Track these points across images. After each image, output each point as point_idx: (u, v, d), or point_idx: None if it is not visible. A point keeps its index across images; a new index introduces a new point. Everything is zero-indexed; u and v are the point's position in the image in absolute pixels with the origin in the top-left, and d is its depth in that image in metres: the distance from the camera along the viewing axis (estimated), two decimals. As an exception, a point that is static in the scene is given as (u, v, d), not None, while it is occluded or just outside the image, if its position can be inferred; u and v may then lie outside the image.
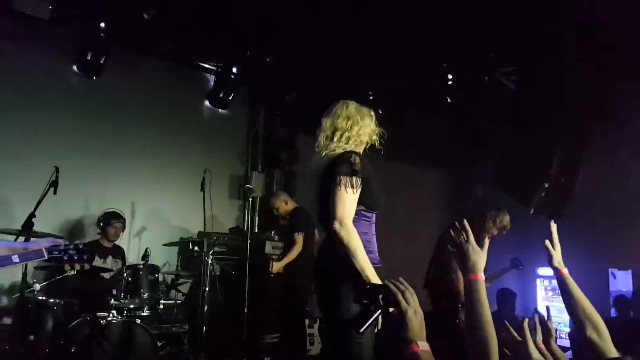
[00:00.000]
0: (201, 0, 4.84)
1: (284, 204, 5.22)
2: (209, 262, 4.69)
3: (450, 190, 8.90)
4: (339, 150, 2.36)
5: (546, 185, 4.38)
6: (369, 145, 2.52)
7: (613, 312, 5.22)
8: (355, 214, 2.27)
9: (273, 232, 5.70)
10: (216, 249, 5.04)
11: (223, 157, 6.39)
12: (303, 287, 5.00)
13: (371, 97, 6.08)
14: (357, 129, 2.42)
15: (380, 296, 1.38)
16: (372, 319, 1.37)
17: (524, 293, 7.12)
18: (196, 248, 4.91)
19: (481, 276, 1.51)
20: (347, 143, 2.39)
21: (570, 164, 4.61)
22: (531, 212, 4.50)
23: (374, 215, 2.42)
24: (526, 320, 1.80)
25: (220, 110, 6.38)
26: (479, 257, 1.57)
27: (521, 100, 5.25)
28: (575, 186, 4.67)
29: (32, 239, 1.93)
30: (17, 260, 1.80)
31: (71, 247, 1.92)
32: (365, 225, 2.34)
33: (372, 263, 2.25)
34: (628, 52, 4.48)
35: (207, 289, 4.63)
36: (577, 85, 4.78)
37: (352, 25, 4.79)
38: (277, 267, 5.00)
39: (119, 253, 4.83)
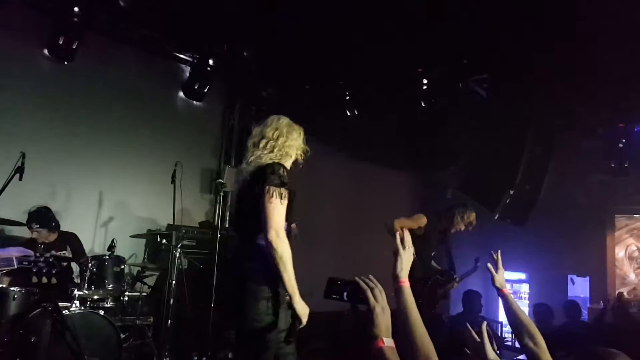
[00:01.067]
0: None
1: None
2: (177, 255, 4.66)
3: (419, 192, 9.07)
4: (266, 160, 2.45)
5: (511, 192, 4.52)
6: (294, 159, 2.62)
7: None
8: None
9: None
10: (185, 242, 5.00)
11: (196, 150, 6.34)
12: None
13: (347, 97, 6.14)
14: (282, 140, 2.52)
15: (349, 292, 1.42)
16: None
17: (487, 296, 7.32)
18: (164, 241, 4.87)
19: (406, 282, 1.55)
20: (271, 152, 2.48)
21: (535, 171, 4.76)
22: (496, 217, 4.65)
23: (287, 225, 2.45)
24: (485, 323, 1.91)
25: (195, 102, 6.31)
26: (405, 263, 1.60)
27: (489, 106, 5.40)
28: (539, 193, 4.83)
29: (5, 248, 1.86)
30: None
31: (41, 259, 1.87)
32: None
33: None
34: (596, 60, 4.65)
35: (173, 282, 4.60)
36: (543, 92, 4.95)
37: (332, 23, 4.82)
38: None
39: (65, 243, 4.46)
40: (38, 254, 1.90)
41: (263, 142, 2.51)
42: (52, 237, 4.42)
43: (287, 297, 2.32)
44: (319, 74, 5.94)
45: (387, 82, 5.75)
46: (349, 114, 6.20)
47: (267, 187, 2.30)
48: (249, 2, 4.85)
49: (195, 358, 4.68)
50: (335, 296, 1.44)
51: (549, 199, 5.10)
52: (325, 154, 7.61)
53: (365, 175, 8.21)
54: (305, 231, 6.13)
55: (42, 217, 4.32)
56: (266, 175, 2.34)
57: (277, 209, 2.28)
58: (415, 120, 6.16)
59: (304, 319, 2.31)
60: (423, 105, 5.64)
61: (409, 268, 1.60)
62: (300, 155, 2.63)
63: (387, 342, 1.32)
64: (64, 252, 4.47)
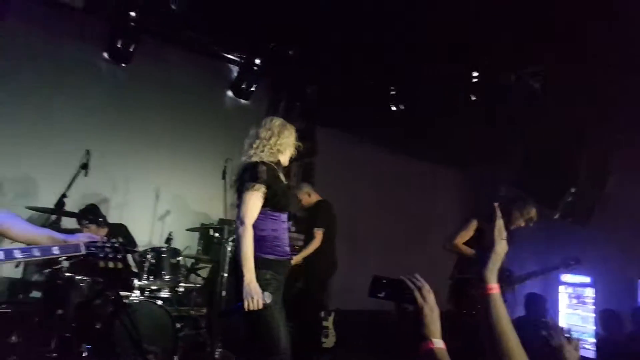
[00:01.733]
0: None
1: (307, 196, 5.23)
2: (228, 248, 4.80)
3: (470, 189, 8.88)
4: (255, 158, 2.77)
5: (573, 190, 4.27)
6: (288, 155, 2.94)
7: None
8: (262, 214, 2.69)
9: (290, 223, 5.78)
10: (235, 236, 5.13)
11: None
12: (319, 280, 5.07)
13: (392, 92, 6.12)
14: (274, 139, 2.83)
15: (395, 291, 1.37)
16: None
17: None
18: (216, 234, 5.03)
19: (495, 288, 1.35)
20: (262, 151, 2.80)
21: (598, 168, 4.48)
22: (556, 216, 4.41)
23: (283, 214, 2.81)
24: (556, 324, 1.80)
25: (242, 100, 6.50)
26: (497, 261, 1.39)
27: (547, 100, 5.19)
28: (603, 192, 4.55)
29: (74, 234, 1.96)
30: (57, 252, 1.85)
31: (108, 245, 1.96)
32: (274, 223, 2.74)
33: (280, 255, 2.72)
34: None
35: (225, 274, 4.74)
36: (607, 86, 4.66)
37: (376, 15, 4.79)
38: (294, 260, 5.08)
39: (115, 234, 4.51)
40: (104, 240, 2.02)
41: (256, 142, 2.83)
42: (103, 231, 4.60)
43: (268, 276, 2.64)
44: (363, 69, 5.94)
45: (434, 75, 5.61)
46: (394, 109, 6.16)
47: (244, 183, 2.65)
48: (293, 1, 4.92)
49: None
50: (380, 295, 1.39)
51: (613, 197, 4.85)
52: (368, 152, 7.65)
53: (411, 173, 8.14)
54: (349, 230, 6.21)
55: (90, 214, 4.54)
56: (244, 172, 2.71)
57: (248, 202, 2.62)
58: (464, 114, 6.03)
59: (249, 303, 2.50)
60: (473, 99, 5.49)
61: (498, 267, 1.38)
62: (293, 152, 2.95)
63: (437, 343, 1.27)
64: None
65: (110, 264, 2.00)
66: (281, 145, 2.85)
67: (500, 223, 1.41)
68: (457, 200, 8.67)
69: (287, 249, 2.81)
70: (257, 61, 6.12)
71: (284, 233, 2.79)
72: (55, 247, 1.85)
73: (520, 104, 5.58)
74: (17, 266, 4.22)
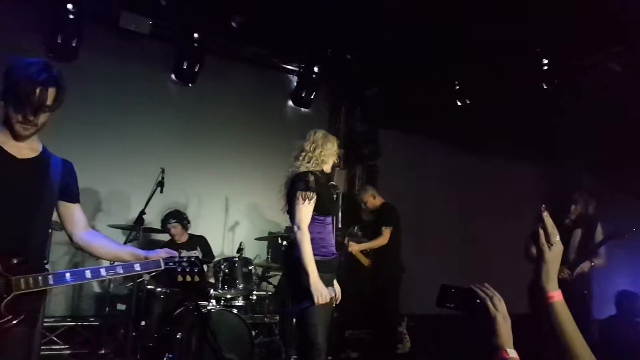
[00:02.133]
0: (281, 5, 5.02)
1: (372, 199, 5.21)
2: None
3: (546, 183, 8.45)
4: (302, 169, 3.01)
5: None
6: (331, 164, 3.16)
7: None
8: (311, 219, 2.92)
9: (356, 228, 5.77)
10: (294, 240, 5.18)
11: (307, 155, 6.58)
12: (391, 283, 5.01)
13: (457, 87, 5.95)
14: (318, 151, 3.07)
15: (464, 300, 1.33)
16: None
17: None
18: (284, 242, 5.12)
19: (556, 295, 1.28)
20: (309, 162, 3.03)
21: None
22: None
23: (327, 218, 3.05)
24: None
25: (302, 109, 6.60)
26: (553, 268, 1.31)
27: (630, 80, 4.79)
28: None
29: (155, 250, 2.07)
30: (139, 269, 1.94)
31: (184, 260, 2.05)
32: (319, 226, 2.97)
33: (326, 255, 2.94)
34: None
35: (295, 281, 4.79)
36: None
37: (430, 12, 4.69)
38: (356, 247, 5.06)
39: (195, 244, 4.71)
40: (182, 255, 2.11)
41: (302, 154, 3.07)
42: (184, 237, 4.88)
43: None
44: (423, 67, 5.80)
45: (500, 65, 5.32)
46: (459, 104, 5.97)
47: (297, 192, 2.88)
48: (346, 5, 4.91)
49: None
50: (449, 305, 1.35)
51: None
52: (434, 150, 7.48)
53: (480, 170, 7.86)
54: (415, 232, 6.08)
55: (177, 215, 4.86)
56: (296, 182, 2.93)
57: (302, 209, 2.86)
58: (535, 104, 5.72)
59: (319, 298, 2.76)
60: (545, 87, 5.19)
61: (557, 273, 1.30)
62: (336, 160, 3.19)
63: (511, 353, 1.23)
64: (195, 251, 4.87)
65: (188, 278, 2.07)
66: (325, 155, 3.08)
67: (546, 228, 1.31)
68: (531, 196, 8.27)
69: (333, 249, 3.05)
70: (315, 69, 6.19)
71: (329, 234, 3.03)
72: (137, 264, 1.95)
73: (598, 90, 5.22)
74: (102, 281, 4.51)
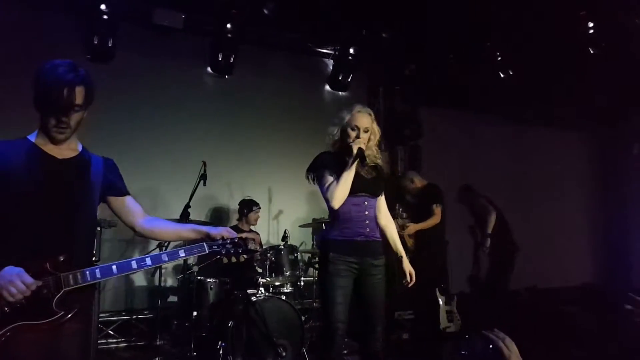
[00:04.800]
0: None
1: (410, 183, 5.22)
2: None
3: (596, 151, 8.05)
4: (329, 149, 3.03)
5: None
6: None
7: None
8: None
9: (400, 209, 5.66)
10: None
11: (346, 138, 6.50)
12: (435, 263, 4.93)
13: (499, 59, 5.70)
14: (332, 130, 3.05)
15: (480, 347, 1.39)
16: None
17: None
18: (328, 228, 5.08)
19: None
20: (329, 143, 3.07)
21: None
22: None
23: (354, 198, 2.83)
24: None
25: (340, 93, 6.51)
26: None
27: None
28: None
29: (217, 227, 2.05)
30: (183, 254, 1.94)
31: (228, 241, 2.02)
32: (345, 204, 2.80)
33: (347, 236, 2.82)
34: None
35: (342, 266, 4.76)
36: None
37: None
38: (412, 228, 4.95)
39: (253, 237, 5.06)
40: (224, 238, 2.06)
41: (327, 137, 3.07)
42: (247, 227, 5.04)
43: (330, 256, 2.82)
44: (461, 41, 5.60)
45: (543, 33, 5.12)
46: (502, 76, 5.74)
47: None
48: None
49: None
50: (463, 352, 1.45)
51: None
52: (480, 125, 7.22)
53: (529, 143, 7.55)
54: (462, 210, 5.90)
55: (256, 202, 5.07)
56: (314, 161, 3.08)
57: (321, 188, 2.92)
58: (582, 70, 5.42)
59: None
60: (592, 52, 4.94)
61: None
62: (358, 134, 2.95)
63: None
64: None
65: (233, 259, 2.05)
66: (335, 134, 2.99)
67: None
68: (587, 163, 7.91)
69: (361, 230, 2.85)
70: (351, 50, 6.07)
71: (357, 214, 2.85)
72: (181, 250, 1.94)
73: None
74: (152, 275, 4.63)
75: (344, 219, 2.84)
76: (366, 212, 2.89)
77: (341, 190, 2.74)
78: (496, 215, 5.29)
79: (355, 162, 2.78)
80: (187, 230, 2.12)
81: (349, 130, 2.91)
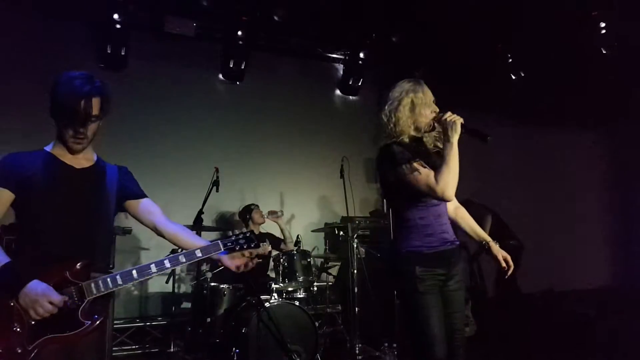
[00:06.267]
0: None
1: None
2: (354, 245, 4.80)
3: (614, 150, 7.95)
4: (382, 144, 2.53)
5: None
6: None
7: None
8: (407, 202, 2.39)
9: (267, 242, 5.63)
10: (360, 232, 5.14)
11: (357, 142, 6.47)
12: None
13: (510, 60, 5.67)
14: (394, 119, 2.57)
15: None
16: None
17: None
18: (341, 232, 5.07)
19: None
20: (387, 136, 2.53)
21: None
22: None
23: (430, 199, 2.35)
24: None
25: (350, 97, 6.52)
26: None
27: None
28: None
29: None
30: (200, 254, 1.93)
31: (240, 236, 2.01)
32: (421, 210, 2.37)
33: (433, 245, 2.31)
34: None
35: (355, 271, 4.75)
36: None
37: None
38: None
39: (264, 237, 5.02)
40: (237, 232, 2.06)
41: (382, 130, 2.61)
42: (257, 230, 5.04)
43: (418, 272, 2.28)
44: (472, 43, 5.56)
45: (554, 34, 5.09)
46: (513, 78, 5.70)
47: (386, 172, 2.45)
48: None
49: (386, 344, 4.77)
50: None
51: None
52: (493, 124, 7.14)
53: (544, 144, 7.47)
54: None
55: (254, 204, 5.03)
56: (379, 164, 2.50)
57: (411, 179, 2.33)
58: (595, 69, 5.37)
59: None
60: (604, 52, 4.89)
61: None
62: (429, 112, 2.62)
63: None
64: (265, 243, 4.98)
65: (253, 252, 2.03)
66: (402, 121, 2.50)
67: None
68: (604, 164, 7.82)
69: (445, 235, 2.36)
70: (361, 54, 6.07)
71: (436, 219, 2.37)
72: (198, 250, 1.93)
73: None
74: (166, 282, 4.64)
75: (422, 224, 2.33)
76: (443, 210, 2.43)
77: (455, 176, 2.26)
78: (491, 217, 5.37)
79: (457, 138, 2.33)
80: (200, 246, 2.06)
81: (426, 109, 2.52)
